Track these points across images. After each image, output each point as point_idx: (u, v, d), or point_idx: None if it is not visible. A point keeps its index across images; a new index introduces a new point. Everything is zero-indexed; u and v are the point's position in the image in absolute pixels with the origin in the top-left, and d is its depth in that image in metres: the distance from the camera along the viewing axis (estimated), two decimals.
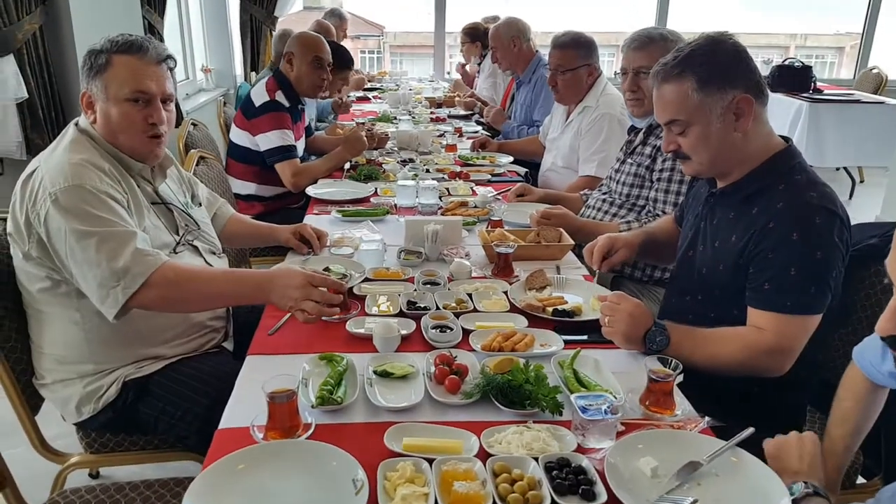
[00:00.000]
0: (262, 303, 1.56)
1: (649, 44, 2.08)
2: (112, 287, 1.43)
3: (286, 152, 2.87)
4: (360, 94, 5.34)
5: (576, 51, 2.70)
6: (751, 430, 1.12)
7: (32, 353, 1.62)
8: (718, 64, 1.42)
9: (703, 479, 1.06)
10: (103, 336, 1.56)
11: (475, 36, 5.06)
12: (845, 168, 5.71)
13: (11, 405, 1.54)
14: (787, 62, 5.68)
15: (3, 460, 1.23)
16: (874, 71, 6.02)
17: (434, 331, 1.49)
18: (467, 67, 5.80)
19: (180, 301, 1.55)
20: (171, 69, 1.66)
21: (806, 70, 5.53)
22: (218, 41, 5.70)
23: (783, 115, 5.25)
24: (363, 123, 3.84)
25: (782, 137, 1.51)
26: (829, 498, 1.02)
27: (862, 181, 5.83)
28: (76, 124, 1.61)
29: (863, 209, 5.03)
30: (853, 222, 1.50)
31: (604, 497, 1.00)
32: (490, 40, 4.05)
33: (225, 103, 4.08)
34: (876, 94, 5.69)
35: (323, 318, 1.51)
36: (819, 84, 5.61)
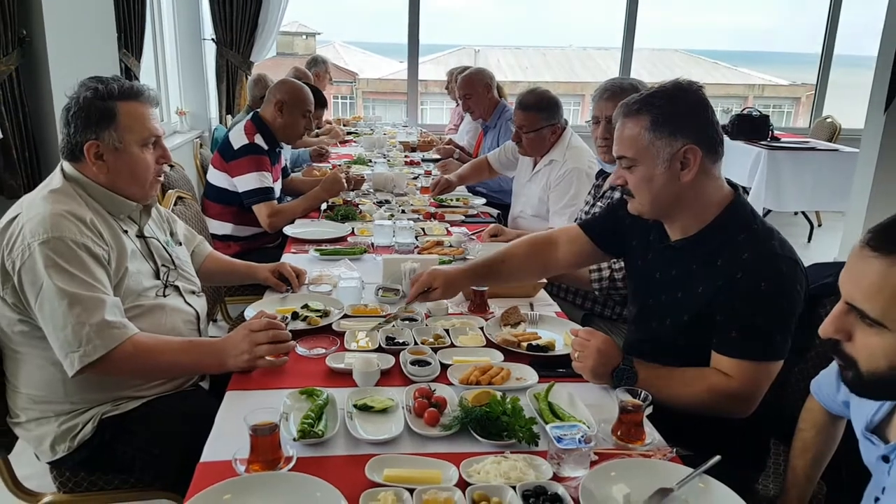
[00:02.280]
0: (221, 371, 1.57)
1: (620, 93, 2.18)
2: (72, 351, 1.44)
3: (264, 194, 2.91)
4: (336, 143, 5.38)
5: (538, 113, 2.80)
6: (717, 458, 1.17)
7: (7, 391, 1.60)
8: (674, 110, 1.43)
9: None
10: (81, 377, 1.53)
11: None
12: (803, 212, 5.94)
13: None
14: (745, 111, 5.96)
15: None
16: (828, 120, 6.34)
17: (413, 366, 1.52)
18: (443, 116, 5.94)
19: (138, 373, 1.59)
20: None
21: (764, 119, 5.81)
22: (193, 85, 5.76)
23: (743, 161, 5.48)
24: (340, 165, 3.91)
25: (729, 184, 1.53)
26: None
27: (819, 225, 6.07)
28: (62, 171, 1.61)
29: (821, 252, 5.24)
30: (812, 263, 1.57)
31: None
32: (463, 88, 4.16)
33: (201, 145, 4.12)
34: (830, 141, 5.98)
35: (281, 355, 1.54)
36: (776, 132, 5.87)
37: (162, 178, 1.72)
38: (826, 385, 1.33)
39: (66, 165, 1.61)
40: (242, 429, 1.19)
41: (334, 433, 1.28)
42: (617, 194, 2.19)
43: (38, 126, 3.34)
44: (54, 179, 1.60)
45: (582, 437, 1.18)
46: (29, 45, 3.07)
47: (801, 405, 1.47)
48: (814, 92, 7.22)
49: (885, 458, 1.04)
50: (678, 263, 1.55)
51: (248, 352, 1.50)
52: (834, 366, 1.29)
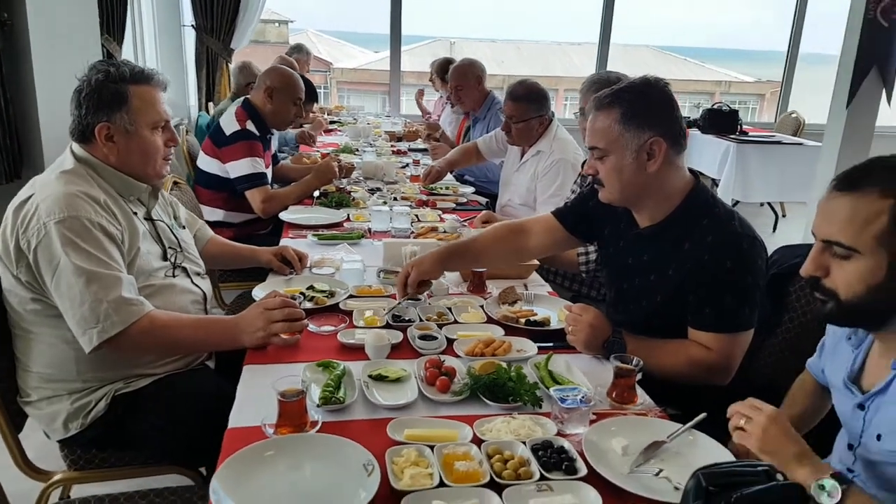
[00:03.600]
0: (235, 347, 1.61)
1: (608, 86, 2.31)
2: (90, 328, 1.47)
3: (257, 179, 2.94)
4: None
5: (527, 104, 2.91)
6: (703, 415, 1.30)
7: (18, 370, 1.61)
8: (643, 104, 1.53)
9: (665, 455, 1.24)
10: (94, 355, 1.54)
11: (445, 71, 5.26)
12: (769, 203, 6.19)
13: None
14: (716, 106, 6.17)
15: None
16: (793, 115, 6.60)
17: (421, 340, 1.63)
18: (426, 102, 6.03)
19: (153, 349, 1.62)
20: None
21: (733, 113, 6.03)
22: (173, 72, 5.67)
23: (714, 154, 5.69)
24: (330, 154, 3.97)
25: (691, 172, 1.63)
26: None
27: (784, 215, 6.32)
28: (73, 153, 1.63)
29: (785, 240, 5.35)
30: (780, 245, 1.69)
31: (584, 471, 1.16)
32: (454, 79, 4.20)
33: (187, 132, 4.14)
34: (795, 135, 6.23)
35: (294, 333, 1.59)
36: (744, 127, 6.10)
37: (171, 160, 1.75)
38: (813, 360, 1.46)
39: (77, 147, 1.64)
40: (263, 398, 1.26)
41: (354, 400, 1.38)
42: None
43: (21, 111, 3.31)
44: (66, 161, 1.62)
45: (582, 397, 1.30)
46: (10, 29, 3.04)
47: (773, 375, 1.62)
48: (780, 88, 7.47)
49: (861, 406, 1.18)
50: (649, 249, 1.66)
51: (263, 329, 1.55)
52: (821, 342, 1.42)
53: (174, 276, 1.76)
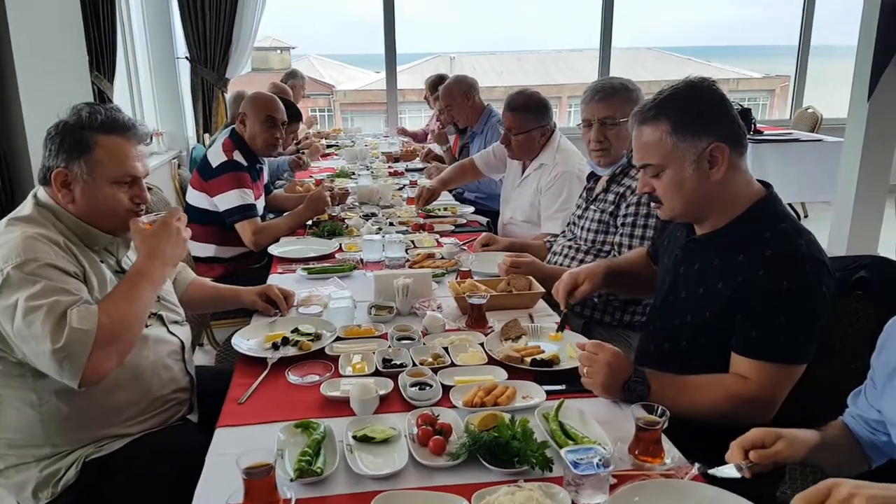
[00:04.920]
0: (167, 271, 1.60)
1: (613, 94, 2.13)
2: (63, 358, 1.33)
3: (246, 211, 2.83)
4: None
5: (527, 114, 2.75)
6: (736, 474, 1.10)
7: None
8: (694, 110, 1.42)
9: None
10: (62, 417, 1.48)
11: (439, 87, 5.16)
12: (790, 204, 5.95)
13: None
14: None
15: None
16: (809, 110, 6.35)
17: (413, 389, 1.44)
18: (420, 122, 5.90)
19: (129, 338, 1.46)
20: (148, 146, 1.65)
21: (746, 112, 5.80)
22: (169, 104, 5.66)
23: None
24: (323, 181, 3.82)
25: (761, 183, 1.51)
26: None
27: (806, 216, 6.08)
28: (35, 197, 1.55)
29: None
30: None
31: None
32: (442, 100, 4.15)
33: (179, 165, 4.02)
34: (812, 132, 5.99)
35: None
36: (759, 125, 5.88)
37: (141, 213, 1.62)
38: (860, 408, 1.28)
39: (41, 191, 1.56)
40: (235, 469, 1.10)
41: (334, 469, 1.19)
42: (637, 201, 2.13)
43: (11, 156, 3.22)
44: (25, 207, 1.54)
45: (600, 460, 1.10)
46: None
47: (820, 411, 1.41)
48: (793, 83, 7.25)
49: None
50: (700, 258, 1.52)
51: (178, 243, 1.59)
52: (862, 387, 1.26)
53: (147, 325, 1.63)
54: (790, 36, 7.12)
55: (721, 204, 1.45)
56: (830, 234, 4.71)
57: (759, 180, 1.51)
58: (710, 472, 1.13)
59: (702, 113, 1.42)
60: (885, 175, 4.46)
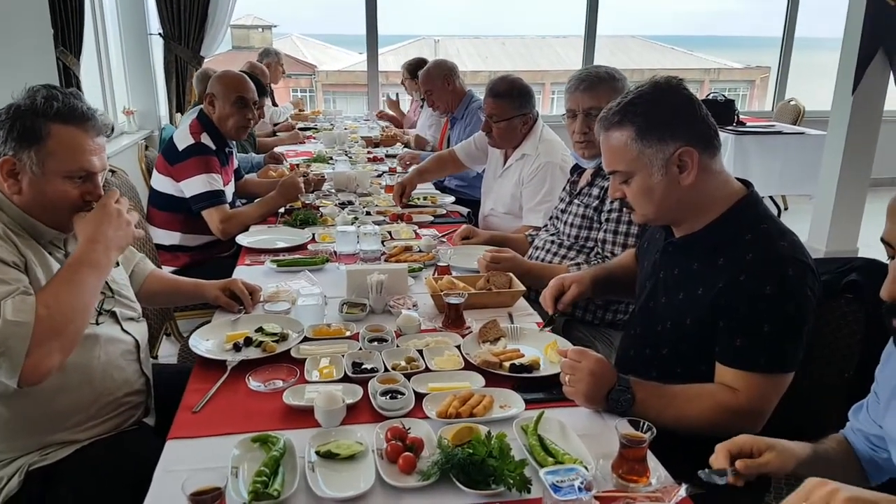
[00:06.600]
0: (112, 258, 1.47)
1: (598, 84, 2.03)
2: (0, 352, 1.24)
3: (213, 198, 2.68)
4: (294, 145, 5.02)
5: (510, 101, 2.64)
6: (720, 481, 1.04)
7: None
8: (659, 114, 1.35)
9: None
10: (2, 422, 1.39)
11: (417, 72, 5.03)
12: (770, 197, 5.92)
13: None
14: (710, 96, 5.89)
15: None
16: (792, 103, 6.31)
17: (383, 398, 1.34)
18: (402, 106, 5.76)
19: (74, 328, 1.35)
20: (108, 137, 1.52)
21: (729, 103, 5.75)
22: (140, 82, 5.47)
23: None
24: (298, 166, 3.68)
25: (741, 181, 1.44)
26: None
27: (786, 209, 6.06)
28: None
29: None
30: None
31: None
32: (423, 84, 4.06)
33: (147, 147, 3.84)
34: (795, 124, 5.95)
35: None
36: (741, 116, 5.83)
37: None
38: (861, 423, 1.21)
39: None
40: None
41: (293, 491, 1.09)
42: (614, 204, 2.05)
43: None
44: None
45: (581, 483, 1.02)
46: None
47: (805, 416, 1.35)
48: (775, 74, 7.22)
49: None
50: (680, 262, 1.45)
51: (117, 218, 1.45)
52: (865, 402, 1.20)
53: (97, 323, 1.52)
54: (774, 27, 7.08)
55: (696, 207, 1.39)
56: (811, 227, 4.69)
57: (739, 179, 1.44)
58: (700, 473, 1.07)
59: (668, 116, 1.35)
60: (867, 169, 4.45)
